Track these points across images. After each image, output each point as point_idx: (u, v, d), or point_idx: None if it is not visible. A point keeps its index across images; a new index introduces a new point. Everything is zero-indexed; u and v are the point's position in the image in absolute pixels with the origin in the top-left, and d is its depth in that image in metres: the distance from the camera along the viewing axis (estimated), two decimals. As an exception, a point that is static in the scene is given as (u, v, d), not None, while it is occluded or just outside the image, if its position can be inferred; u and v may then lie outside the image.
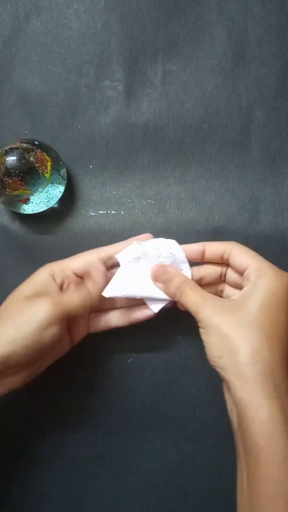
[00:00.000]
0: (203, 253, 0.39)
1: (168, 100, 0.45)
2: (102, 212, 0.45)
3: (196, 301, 0.36)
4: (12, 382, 0.36)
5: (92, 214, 0.45)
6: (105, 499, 0.44)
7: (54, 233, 0.45)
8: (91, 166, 0.46)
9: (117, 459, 0.44)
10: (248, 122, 0.45)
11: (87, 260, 0.39)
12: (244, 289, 0.36)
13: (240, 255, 0.37)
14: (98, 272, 0.38)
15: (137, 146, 0.45)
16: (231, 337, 0.33)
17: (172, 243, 0.40)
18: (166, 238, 0.45)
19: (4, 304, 0.37)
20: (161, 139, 0.46)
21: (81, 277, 0.39)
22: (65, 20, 0.45)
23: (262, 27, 0.45)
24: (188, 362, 0.44)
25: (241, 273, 0.37)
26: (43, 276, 0.38)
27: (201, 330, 0.35)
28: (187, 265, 0.40)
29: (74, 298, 0.37)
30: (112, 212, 0.45)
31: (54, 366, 0.45)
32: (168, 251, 0.40)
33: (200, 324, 0.35)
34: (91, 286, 0.38)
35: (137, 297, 0.39)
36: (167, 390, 0.44)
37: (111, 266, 0.40)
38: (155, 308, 0.40)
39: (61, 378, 0.45)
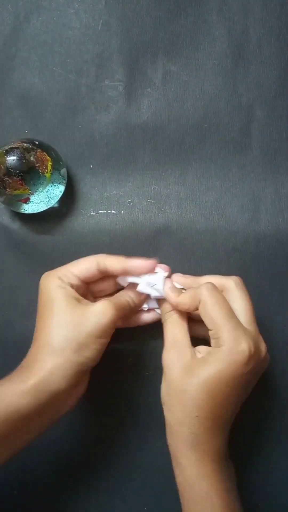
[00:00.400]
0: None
1: (168, 100, 0.45)
2: (102, 211, 0.45)
3: (166, 344, 0.39)
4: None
5: (92, 213, 0.45)
6: (105, 499, 0.44)
7: (54, 233, 0.45)
8: (91, 166, 0.46)
9: (117, 459, 0.44)
10: (248, 122, 0.45)
11: (89, 267, 0.38)
12: (207, 351, 0.36)
13: (204, 316, 0.36)
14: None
15: (137, 146, 0.46)
16: (171, 395, 0.36)
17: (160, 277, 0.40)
18: (166, 238, 0.45)
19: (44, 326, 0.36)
20: (161, 139, 0.46)
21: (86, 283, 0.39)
22: (65, 20, 0.45)
23: (263, 27, 0.45)
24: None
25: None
26: (57, 284, 0.37)
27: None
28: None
29: (124, 299, 0.39)
30: (112, 211, 0.45)
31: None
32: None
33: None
34: (132, 292, 0.40)
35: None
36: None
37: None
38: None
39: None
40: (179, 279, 0.41)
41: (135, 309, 0.40)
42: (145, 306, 0.42)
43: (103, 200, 0.45)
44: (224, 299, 0.36)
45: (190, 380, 0.35)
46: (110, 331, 0.36)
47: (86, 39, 0.45)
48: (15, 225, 0.45)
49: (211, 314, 0.35)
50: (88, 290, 0.40)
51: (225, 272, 0.44)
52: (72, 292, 0.37)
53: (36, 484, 0.44)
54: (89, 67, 0.45)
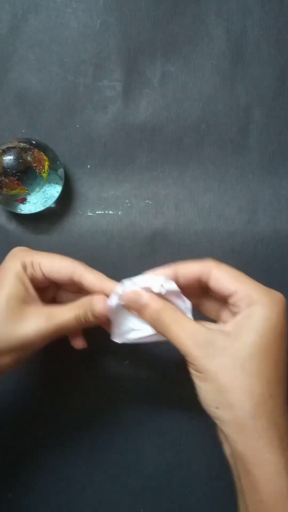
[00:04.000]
0: (175, 278, 0.34)
1: (167, 100, 0.45)
2: (100, 212, 0.45)
3: (181, 340, 0.31)
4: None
5: (89, 214, 0.45)
6: (102, 501, 0.43)
7: (51, 233, 0.45)
8: (88, 166, 0.46)
9: (113, 460, 0.44)
10: (247, 123, 0.45)
11: (63, 268, 0.35)
12: (237, 320, 0.31)
13: (224, 278, 0.32)
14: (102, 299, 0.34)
15: (135, 146, 0.45)
16: (229, 388, 0.29)
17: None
18: (163, 239, 0.45)
19: None
20: (159, 140, 0.45)
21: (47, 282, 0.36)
22: (63, 19, 0.45)
23: (261, 28, 0.45)
24: (185, 364, 0.44)
25: (223, 299, 0.33)
26: (17, 271, 0.34)
27: (192, 372, 0.31)
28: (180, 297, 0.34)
29: (70, 316, 0.34)
30: (110, 212, 0.45)
31: (51, 367, 0.45)
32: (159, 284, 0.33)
33: (191, 366, 0.31)
34: (96, 306, 0.34)
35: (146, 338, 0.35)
36: (163, 392, 0.44)
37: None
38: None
39: (57, 380, 0.44)
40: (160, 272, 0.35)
41: (89, 324, 0.35)
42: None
43: (101, 200, 0.45)
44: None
45: (242, 357, 0.29)
46: (40, 346, 0.34)
47: (84, 39, 0.45)
48: (12, 226, 0.45)
49: (231, 275, 0.32)
50: (55, 292, 0.39)
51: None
52: (22, 290, 0.34)
53: (31, 487, 0.43)
54: (87, 66, 0.45)
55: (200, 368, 0.30)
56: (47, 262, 0.35)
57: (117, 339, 0.36)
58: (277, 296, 0.31)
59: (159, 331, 0.33)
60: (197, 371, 0.31)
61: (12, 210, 0.43)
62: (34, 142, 0.41)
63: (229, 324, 0.31)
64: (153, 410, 0.44)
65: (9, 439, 0.44)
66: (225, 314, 0.35)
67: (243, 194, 0.45)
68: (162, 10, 0.45)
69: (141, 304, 0.33)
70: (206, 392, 0.31)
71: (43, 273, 0.35)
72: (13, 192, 0.40)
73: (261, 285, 0.32)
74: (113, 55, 0.45)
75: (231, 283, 0.32)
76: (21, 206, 0.42)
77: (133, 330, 0.35)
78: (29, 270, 0.35)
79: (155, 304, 0.32)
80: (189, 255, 0.44)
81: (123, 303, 0.34)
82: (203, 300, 0.37)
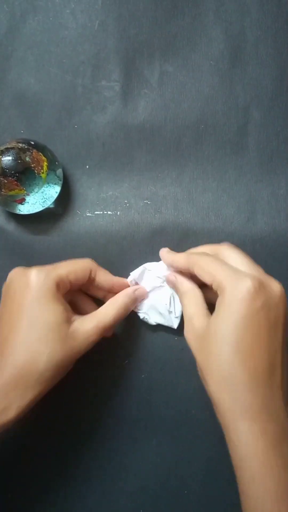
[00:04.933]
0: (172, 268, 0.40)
1: (165, 101, 0.45)
2: (99, 212, 0.45)
3: (185, 319, 0.37)
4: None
5: (88, 214, 0.45)
6: (100, 502, 0.43)
7: (50, 234, 0.45)
8: (87, 167, 0.46)
9: (112, 461, 0.44)
10: (245, 123, 0.45)
11: (83, 269, 0.38)
12: (215, 311, 0.34)
13: (200, 271, 0.35)
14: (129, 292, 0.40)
15: (134, 147, 0.45)
16: (212, 364, 0.33)
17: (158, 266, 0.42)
18: (162, 239, 0.45)
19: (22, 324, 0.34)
20: (158, 140, 0.45)
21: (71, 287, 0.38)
22: (61, 20, 0.45)
23: (259, 28, 0.45)
24: (184, 363, 0.44)
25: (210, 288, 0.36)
26: (56, 293, 0.36)
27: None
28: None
29: (110, 318, 0.37)
30: (109, 212, 0.45)
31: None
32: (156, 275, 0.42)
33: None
34: (127, 300, 0.39)
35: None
36: (163, 392, 0.44)
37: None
38: (175, 324, 0.43)
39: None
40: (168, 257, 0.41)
41: (126, 314, 0.40)
42: (142, 316, 0.43)
43: (99, 201, 0.45)
44: (218, 257, 0.36)
45: (214, 339, 0.33)
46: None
47: (82, 39, 0.45)
48: (11, 226, 0.45)
49: (206, 267, 0.35)
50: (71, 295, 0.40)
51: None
52: (63, 311, 0.35)
53: (30, 487, 0.43)
54: (86, 67, 0.45)
55: (189, 344, 0.36)
56: (70, 270, 0.37)
57: (141, 314, 0.43)
58: (243, 281, 0.32)
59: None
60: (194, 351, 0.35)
61: (10, 211, 0.43)
62: (32, 143, 0.41)
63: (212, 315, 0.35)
64: (153, 410, 0.44)
65: (8, 439, 0.44)
66: None
67: (241, 194, 0.45)
68: (161, 10, 0.45)
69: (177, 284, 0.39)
70: (200, 364, 0.35)
71: (70, 282, 0.37)
72: (12, 192, 0.40)
73: (232, 271, 0.33)
74: (112, 56, 0.45)
75: (206, 275, 0.34)
76: (20, 206, 0.42)
77: (159, 315, 0.42)
78: (62, 288, 0.37)
79: (183, 287, 0.39)
80: (188, 255, 0.44)
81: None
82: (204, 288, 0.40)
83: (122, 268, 0.44)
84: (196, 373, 0.44)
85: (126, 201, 0.45)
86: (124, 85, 0.45)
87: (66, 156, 0.45)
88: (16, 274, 0.37)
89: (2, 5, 0.45)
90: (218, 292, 0.33)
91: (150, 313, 0.43)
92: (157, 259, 0.44)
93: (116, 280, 0.41)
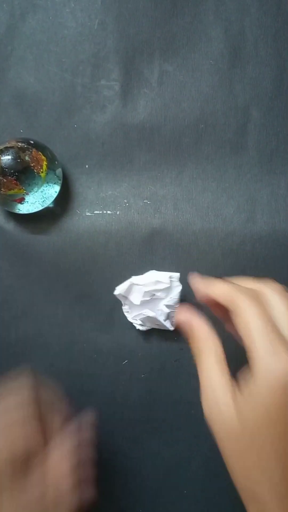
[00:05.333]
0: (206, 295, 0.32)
1: (165, 100, 0.45)
2: (98, 212, 0.45)
3: (202, 387, 0.30)
4: None
5: (87, 214, 0.45)
6: (100, 502, 0.43)
7: (49, 233, 0.45)
8: (87, 166, 0.45)
9: (112, 461, 0.44)
10: (245, 123, 0.45)
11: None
12: (243, 387, 0.28)
13: (237, 324, 0.29)
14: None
15: (133, 146, 0.45)
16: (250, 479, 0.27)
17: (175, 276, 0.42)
18: (162, 239, 0.45)
19: None
20: (158, 139, 0.45)
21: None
22: (61, 19, 0.45)
23: (259, 28, 0.45)
24: (184, 364, 0.44)
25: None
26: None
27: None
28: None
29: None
30: (108, 212, 0.45)
31: (48, 369, 0.45)
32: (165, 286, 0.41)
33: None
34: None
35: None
36: (162, 392, 0.44)
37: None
38: (170, 327, 0.42)
39: (54, 381, 0.44)
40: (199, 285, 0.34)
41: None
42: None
43: (99, 200, 0.45)
44: (263, 307, 0.29)
45: (243, 431, 0.27)
46: None
47: (82, 39, 0.45)
48: (10, 226, 0.45)
49: (245, 320, 0.28)
50: None
51: (221, 273, 0.44)
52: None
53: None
54: (85, 66, 0.45)
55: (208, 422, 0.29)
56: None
57: (142, 328, 0.43)
58: (276, 368, 0.26)
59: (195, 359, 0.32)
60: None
61: (10, 210, 0.43)
62: (32, 142, 0.41)
63: (241, 387, 0.28)
64: (152, 410, 0.44)
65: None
66: None
67: (241, 193, 0.45)
68: (160, 9, 0.45)
69: (191, 327, 0.32)
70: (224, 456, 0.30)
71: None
72: (11, 192, 0.40)
73: (269, 349, 0.27)
74: (111, 55, 0.45)
75: (241, 332, 0.29)
76: (19, 206, 0.42)
77: (154, 324, 0.43)
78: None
79: (199, 337, 0.31)
80: (187, 255, 0.45)
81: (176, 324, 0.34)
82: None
83: (121, 268, 0.44)
84: (195, 374, 0.44)
85: (125, 200, 0.45)
86: (123, 85, 0.45)
87: (66, 155, 0.45)
88: None
89: (2, 4, 0.45)
90: (249, 362, 0.28)
91: (144, 322, 0.43)
92: (156, 259, 0.44)
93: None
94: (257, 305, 0.29)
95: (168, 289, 0.41)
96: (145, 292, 0.41)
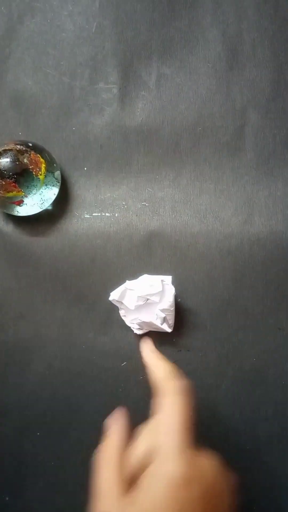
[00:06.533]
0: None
1: (163, 103, 0.45)
2: (96, 214, 0.45)
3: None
4: None
5: (86, 216, 0.45)
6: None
7: (48, 236, 0.45)
8: (85, 168, 0.46)
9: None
10: (242, 125, 0.45)
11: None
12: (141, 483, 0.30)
13: (156, 410, 0.33)
14: None
15: (132, 149, 0.45)
16: None
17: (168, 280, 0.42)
18: (160, 241, 0.45)
19: None
20: (156, 142, 0.45)
21: None
22: (59, 22, 0.45)
23: (256, 30, 0.45)
24: (182, 365, 0.44)
25: None
26: None
27: None
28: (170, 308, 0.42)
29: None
30: (106, 214, 0.45)
31: (47, 369, 0.45)
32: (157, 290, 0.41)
33: None
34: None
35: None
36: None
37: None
38: (168, 329, 0.42)
39: (54, 382, 0.44)
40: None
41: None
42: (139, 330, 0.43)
43: (97, 202, 0.45)
44: (181, 409, 0.32)
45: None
46: None
47: (80, 41, 0.45)
48: (8, 228, 0.45)
49: (159, 417, 0.32)
50: None
51: (219, 275, 0.44)
52: None
53: (28, 490, 0.43)
54: (83, 69, 0.45)
55: None
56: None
57: (139, 332, 0.43)
58: (170, 467, 0.28)
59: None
60: None
61: (9, 213, 0.43)
62: (30, 145, 0.41)
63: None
64: (151, 411, 0.44)
65: (6, 441, 0.44)
66: None
67: (239, 195, 0.45)
68: (158, 12, 0.45)
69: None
70: None
71: None
72: (10, 194, 0.40)
73: (173, 444, 0.30)
74: (109, 58, 0.45)
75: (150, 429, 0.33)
76: (18, 208, 0.42)
77: (152, 326, 0.42)
78: None
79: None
80: (185, 257, 0.45)
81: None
82: None
83: (119, 269, 0.44)
84: (193, 375, 0.44)
85: (124, 203, 0.45)
86: (121, 87, 0.45)
87: (64, 158, 0.45)
88: None
89: (0, 7, 0.45)
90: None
91: (141, 326, 0.43)
92: (154, 261, 0.44)
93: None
94: (178, 407, 0.32)
95: (161, 293, 0.41)
96: (139, 297, 0.41)
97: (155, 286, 0.41)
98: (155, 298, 0.41)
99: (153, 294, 0.41)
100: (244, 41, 0.45)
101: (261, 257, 0.45)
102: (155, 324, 0.42)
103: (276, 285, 0.45)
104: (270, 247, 0.45)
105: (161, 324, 0.42)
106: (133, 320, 0.42)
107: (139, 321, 0.42)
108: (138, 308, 0.42)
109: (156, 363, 0.37)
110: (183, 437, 0.30)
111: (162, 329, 0.42)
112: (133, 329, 0.43)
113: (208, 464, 0.30)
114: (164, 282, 0.41)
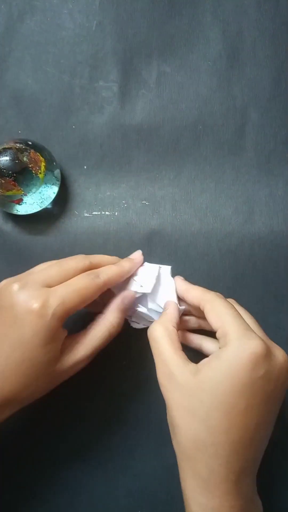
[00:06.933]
0: (183, 296, 0.38)
1: (163, 101, 0.45)
2: (96, 213, 0.45)
3: (156, 361, 0.34)
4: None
5: (86, 215, 0.45)
6: (98, 503, 0.43)
7: (47, 234, 0.45)
8: (85, 167, 0.45)
9: (111, 461, 0.44)
10: (243, 124, 0.45)
11: (86, 294, 0.34)
12: (208, 358, 0.32)
13: (211, 313, 0.33)
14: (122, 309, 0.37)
15: (132, 147, 0.45)
16: (179, 425, 0.31)
17: (167, 270, 0.41)
18: (160, 240, 0.45)
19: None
20: (156, 140, 0.45)
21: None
22: (59, 20, 0.45)
23: (257, 29, 0.45)
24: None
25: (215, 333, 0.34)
26: (56, 333, 0.33)
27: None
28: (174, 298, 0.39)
29: (103, 336, 0.36)
30: (106, 213, 0.45)
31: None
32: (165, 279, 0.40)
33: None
34: (113, 318, 0.37)
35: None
36: (160, 392, 0.44)
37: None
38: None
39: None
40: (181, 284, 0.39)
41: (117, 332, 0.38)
42: (137, 324, 0.42)
43: (97, 201, 0.45)
44: (234, 305, 0.34)
45: (200, 396, 0.30)
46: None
47: (80, 40, 0.45)
48: (8, 226, 0.45)
49: (219, 310, 0.33)
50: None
51: (219, 274, 0.44)
52: (56, 349, 0.33)
53: (28, 487, 0.43)
54: (83, 67, 0.45)
55: (164, 397, 0.33)
56: (81, 301, 0.34)
57: (137, 326, 0.42)
58: (252, 342, 0.30)
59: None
60: (162, 392, 0.33)
61: (8, 211, 0.43)
62: (30, 143, 0.41)
63: (203, 361, 0.32)
64: (151, 410, 0.44)
65: (5, 440, 0.43)
66: None
67: (239, 194, 0.45)
68: (158, 11, 0.45)
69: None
70: (168, 420, 0.33)
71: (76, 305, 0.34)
72: (9, 193, 0.40)
73: (244, 328, 0.31)
74: (109, 56, 0.45)
75: (215, 319, 0.33)
76: (17, 207, 0.42)
77: (146, 320, 0.41)
78: (66, 317, 0.34)
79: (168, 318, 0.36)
80: (185, 256, 0.45)
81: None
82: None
83: (120, 268, 0.44)
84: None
85: (124, 201, 0.45)
86: (121, 86, 0.45)
87: (64, 156, 0.45)
88: (16, 295, 0.32)
89: (0, 5, 0.45)
90: (220, 342, 0.32)
91: (138, 320, 0.42)
92: (154, 260, 0.44)
93: (127, 262, 0.38)
94: (230, 303, 0.34)
95: (157, 285, 0.40)
96: (132, 279, 0.40)
97: (150, 277, 0.39)
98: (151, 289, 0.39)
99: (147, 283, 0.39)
100: (244, 39, 0.45)
101: (261, 256, 0.44)
102: (152, 318, 0.41)
103: (276, 284, 0.45)
104: (270, 246, 0.45)
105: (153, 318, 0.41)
106: (131, 312, 0.41)
107: (137, 311, 0.41)
108: (137, 299, 0.40)
109: (191, 287, 0.38)
110: (246, 323, 0.32)
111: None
112: (130, 322, 0.42)
113: (278, 349, 0.32)
114: (163, 275, 0.40)
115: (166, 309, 0.37)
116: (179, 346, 0.34)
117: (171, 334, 0.34)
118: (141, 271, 0.41)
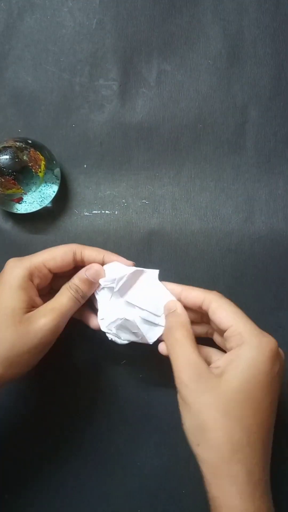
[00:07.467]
0: (179, 298, 0.37)
1: (163, 100, 0.45)
2: (96, 212, 0.45)
3: (179, 365, 0.33)
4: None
5: (86, 214, 0.45)
6: (98, 502, 0.43)
7: (47, 233, 0.45)
8: (85, 166, 0.45)
9: (111, 461, 0.44)
10: (243, 122, 0.45)
11: (63, 254, 0.37)
12: (226, 358, 0.32)
13: (220, 311, 0.33)
14: (96, 273, 0.37)
15: (132, 146, 0.45)
16: (211, 428, 0.30)
17: (154, 274, 0.39)
18: (160, 239, 0.44)
19: None
20: (156, 139, 0.45)
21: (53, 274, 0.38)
22: (59, 18, 0.45)
23: (257, 27, 0.45)
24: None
25: (221, 332, 0.34)
26: (23, 282, 0.35)
27: (180, 401, 0.32)
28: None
29: (67, 300, 0.36)
30: (106, 212, 0.45)
31: (47, 368, 0.44)
32: (152, 282, 0.38)
33: (180, 395, 0.32)
34: (84, 288, 0.37)
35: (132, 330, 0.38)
36: (160, 392, 0.44)
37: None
38: (151, 338, 0.38)
39: (54, 380, 0.44)
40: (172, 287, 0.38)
41: (84, 300, 0.37)
42: (119, 341, 0.39)
43: (97, 200, 0.45)
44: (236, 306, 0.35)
45: (224, 397, 0.30)
46: (53, 341, 0.36)
47: (80, 38, 0.45)
48: (8, 225, 0.45)
49: (228, 310, 0.33)
50: (52, 281, 0.39)
51: (219, 273, 0.44)
52: (25, 301, 0.35)
53: (27, 488, 0.43)
54: (83, 66, 0.45)
55: (188, 401, 0.31)
56: (48, 258, 0.37)
57: (103, 328, 0.38)
58: (268, 339, 0.31)
59: (165, 343, 0.36)
60: (185, 402, 0.32)
61: (8, 210, 0.42)
62: (30, 142, 0.41)
63: (221, 361, 0.32)
64: (151, 409, 0.44)
65: (5, 440, 0.43)
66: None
67: (239, 193, 0.45)
68: (159, 9, 0.45)
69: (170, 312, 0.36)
70: (189, 426, 0.32)
71: (49, 270, 0.37)
72: (9, 191, 0.40)
73: (255, 326, 0.32)
74: (109, 54, 0.45)
75: (226, 318, 0.33)
76: (17, 205, 0.42)
77: (130, 332, 0.38)
78: (37, 276, 0.37)
79: (172, 319, 0.35)
80: (185, 254, 0.45)
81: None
82: (210, 327, 0.39)
83: (119, 267, 0.44)
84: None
85: (124, 200, 0.45)
86: (122, 84, 0.45)
87: (64, 155, 0.45)
88: (10, 265, 0.37)
89: (0, 3, 0.45)
90: (231, 341, 0.32)
91: (119, 333, 0.38)
92: (154, 259, 0.44)
93: (107, 255, 0.38)
94: (233, 303, 0.34)
95: (127, 285, 0.37)
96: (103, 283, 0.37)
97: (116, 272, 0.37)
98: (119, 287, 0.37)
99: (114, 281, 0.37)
100: (245, 38, 0.45)
101: (261, 255, 0.44)
102: (138, 328, 0.37)
103: (277, 283, 0.45)
104: (270, 245, 0.45)
105: (147, 332, 0.37)
106: (111, 323, 0.38)
107: (119, 322, 0.37)
108: (116, 310, 0.38)
109: (189, 288, 0.37)
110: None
111: (144, 338, 0.38)
112: (107, 334, 0.39)
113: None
114: (149, 278, 0.38)
115: (173, 310, 0.36)
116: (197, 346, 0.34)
117: (191, 335, 0.34)
118: (111, 268, 0.38)
